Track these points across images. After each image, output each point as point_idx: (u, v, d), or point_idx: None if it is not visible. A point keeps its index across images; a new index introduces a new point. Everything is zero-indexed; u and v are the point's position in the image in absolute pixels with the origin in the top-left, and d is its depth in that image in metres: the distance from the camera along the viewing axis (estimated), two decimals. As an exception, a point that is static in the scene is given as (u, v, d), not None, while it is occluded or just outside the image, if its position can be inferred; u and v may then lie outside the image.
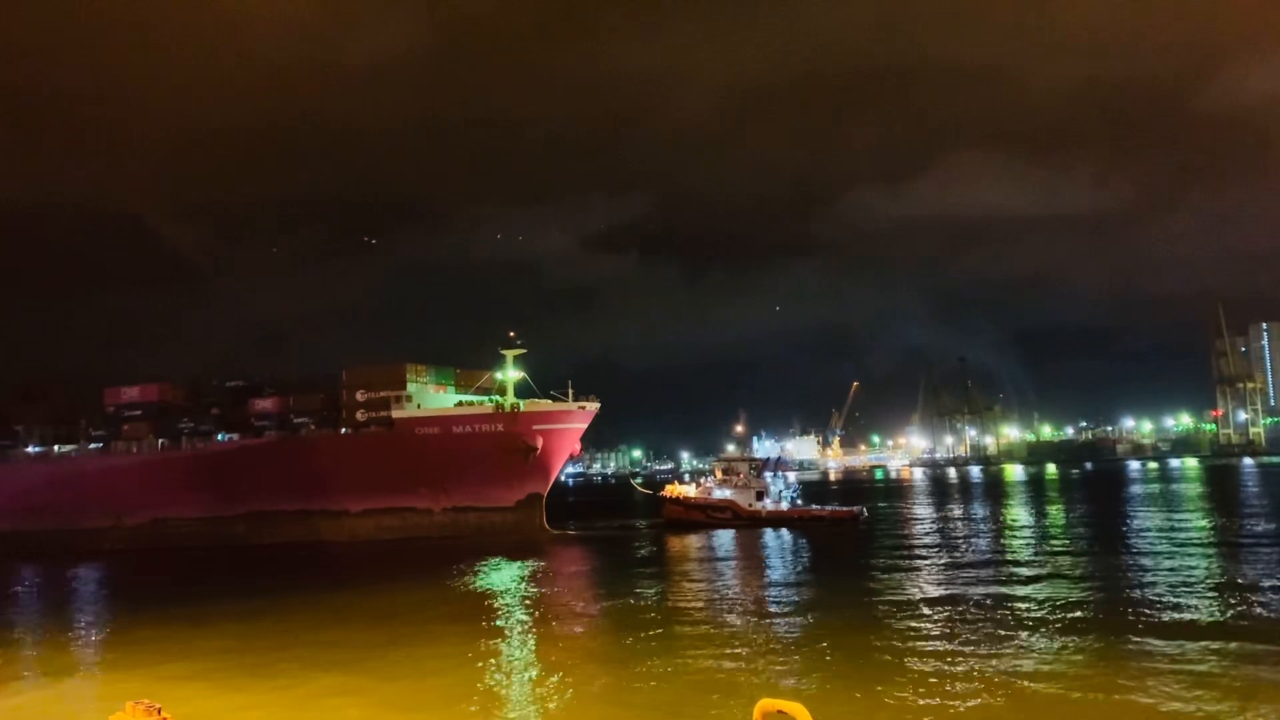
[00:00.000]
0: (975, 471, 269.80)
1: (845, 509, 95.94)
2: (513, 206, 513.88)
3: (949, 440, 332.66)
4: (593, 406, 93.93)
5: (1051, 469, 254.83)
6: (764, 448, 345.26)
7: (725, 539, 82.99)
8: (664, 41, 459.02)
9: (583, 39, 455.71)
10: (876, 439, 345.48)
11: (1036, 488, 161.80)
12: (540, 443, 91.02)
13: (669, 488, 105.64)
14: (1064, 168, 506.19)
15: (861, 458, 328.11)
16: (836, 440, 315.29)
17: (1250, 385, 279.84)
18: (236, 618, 47.99)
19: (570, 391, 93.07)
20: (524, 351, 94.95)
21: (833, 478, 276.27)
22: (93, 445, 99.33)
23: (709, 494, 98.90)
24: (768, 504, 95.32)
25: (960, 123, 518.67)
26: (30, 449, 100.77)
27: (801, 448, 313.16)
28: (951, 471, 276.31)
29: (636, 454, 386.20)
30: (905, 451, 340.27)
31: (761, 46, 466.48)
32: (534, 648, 38.55)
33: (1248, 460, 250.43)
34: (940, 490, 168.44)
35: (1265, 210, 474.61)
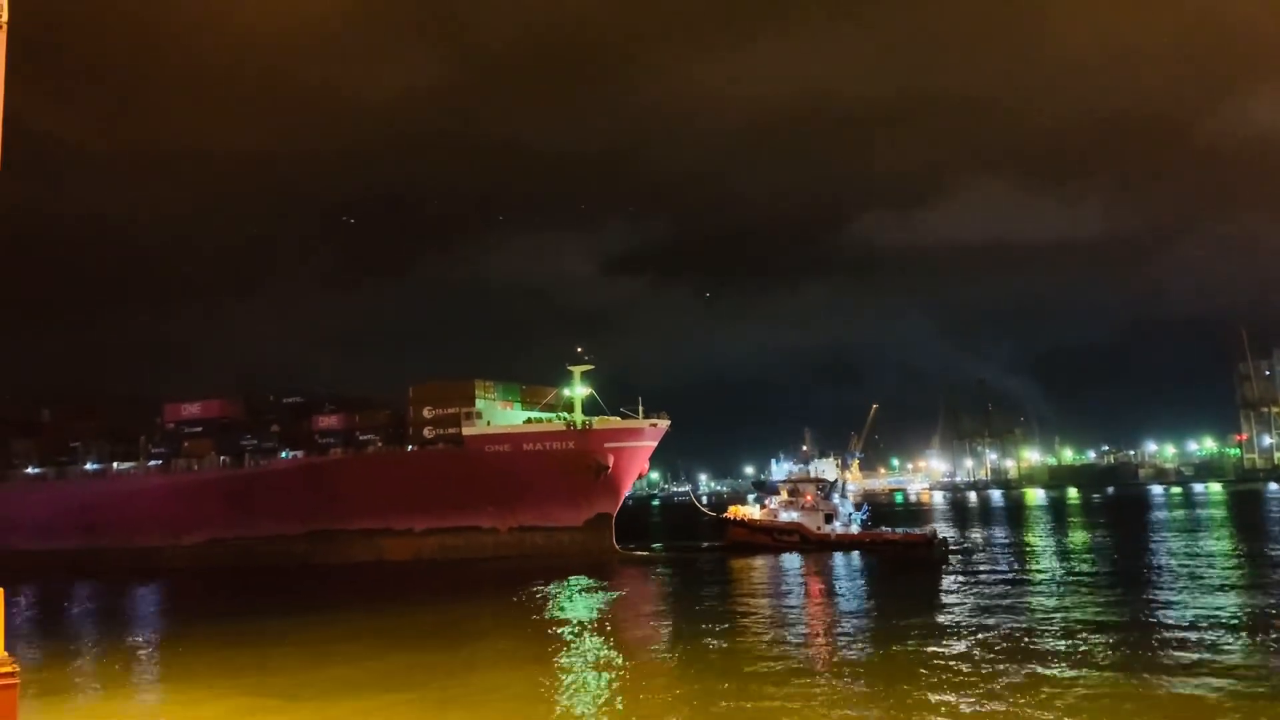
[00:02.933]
0: (996, 495, 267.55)
1: (918, 532, 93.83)
2: (531, 230, 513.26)
3: (969, 463, 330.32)
4: (663, 424, 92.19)
5: (1073, 493, 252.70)
6: (781, 470, 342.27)
7: (794, 563, 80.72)
8: (684, 71, 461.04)
9: (603, 69, 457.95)
10: (896, 462, 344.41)
11: (1063, 512, 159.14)
12: (611, 461, 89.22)
13: (732, 509, 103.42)
14: (1073, 196, 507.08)
15: (881, 481, 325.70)
16: (856, 463, 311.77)
17: (1275, 409, 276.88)
18: (280, 637, 47.72)
19: (640, 408, 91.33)
20: (592, 367, 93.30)
21: (852, 501, 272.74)
22: (152, 462, 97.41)
23: (775, 516, 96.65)
24: (837, 527, 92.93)
25: (970, 151, 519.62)
26: (88, 466, 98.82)
27: (820, 470, 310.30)
28: (972, 495, 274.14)
29: (654, 476, 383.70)
30: (925, 474, 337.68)
31: (779, 75, 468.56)
32: (575, 677, 37.06)
33: (1273, 485, 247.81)
34: (969, 514, 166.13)
35: (1272, 239, 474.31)
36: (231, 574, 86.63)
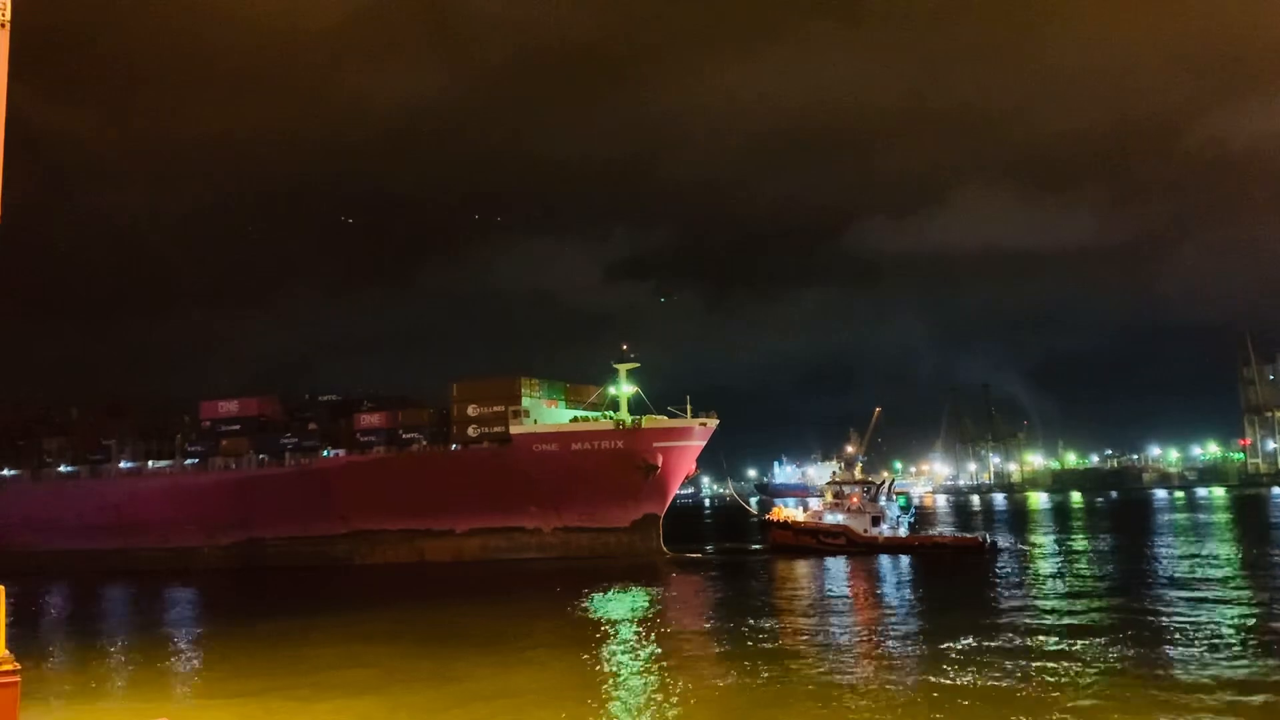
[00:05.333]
0: (999, 499, 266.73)
1: (969, 536, 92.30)
2: (536, 236, 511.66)
3: (972, 467, 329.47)
4: (712, 423, 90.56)
5: (1077, 497, 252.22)
6: (784, 473, 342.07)
7: (841, 567, 78.85)
8: (690, 82, 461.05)
9: (609, 80, 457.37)
10: (899, 465, 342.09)
11: (1076, 516, 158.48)
12: (661, 461, 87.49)
13: (774, 511, 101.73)
14: (1068, 205, 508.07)
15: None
16: (859, 466, 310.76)
17: (1279, 414, 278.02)
18: (302, 638, 47.70)
19: (688, 407, 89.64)
20: (637, 365, 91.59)
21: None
22: (189, 461, 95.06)
23: (819, 518, 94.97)
24: (884, 530, 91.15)
25: (970, 159, 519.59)
26: (122, 464, 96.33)
27: (823, 474, 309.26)
28: (975, 499, 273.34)
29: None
30: (928, 478, 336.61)
31: (785, 87, 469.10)
32: (611, 683, 35.76)
33: (1276, 490, 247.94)
34: (974, 517, 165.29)
35: (1271, 245, 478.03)
36: (267, 575, 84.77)
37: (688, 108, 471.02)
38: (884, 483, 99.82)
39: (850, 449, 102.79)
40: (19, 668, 17.39)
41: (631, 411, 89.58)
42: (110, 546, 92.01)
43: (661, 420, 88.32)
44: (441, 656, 40.87)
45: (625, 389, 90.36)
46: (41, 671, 40.50)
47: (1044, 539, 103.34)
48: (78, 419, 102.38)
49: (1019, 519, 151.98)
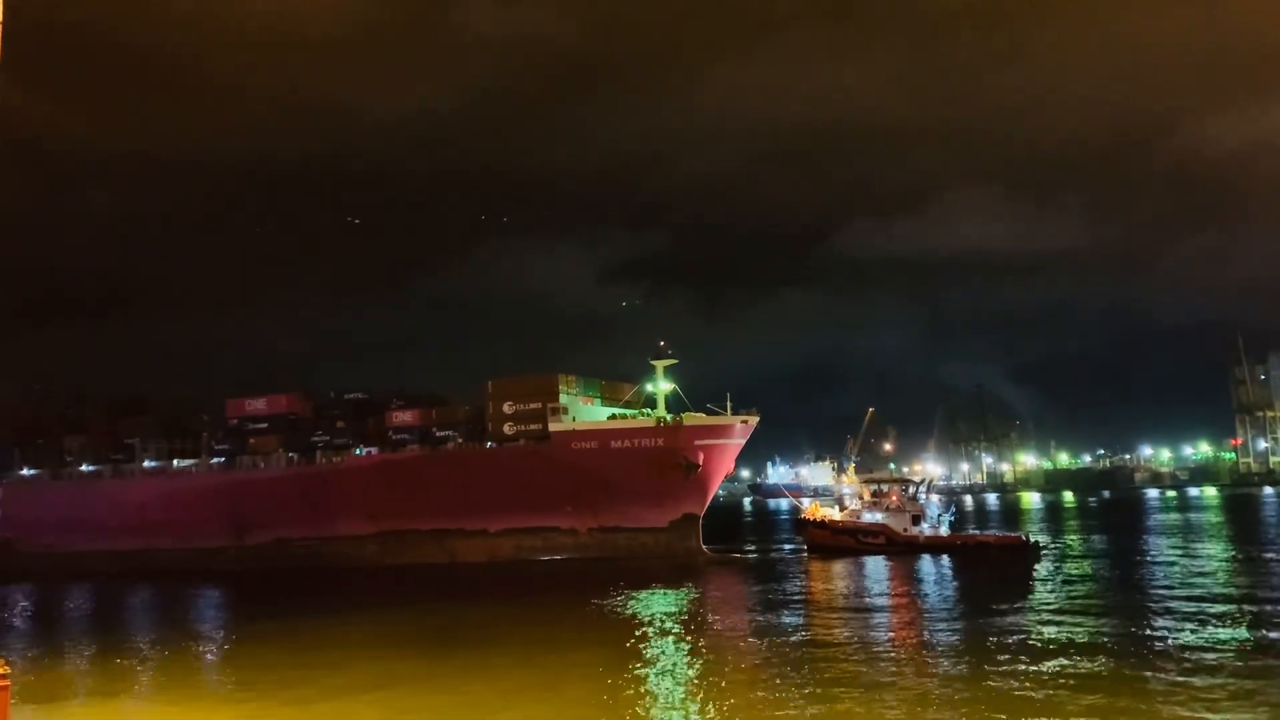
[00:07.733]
0: (992, 498, 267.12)
1: (1012, 535, 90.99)
2: (531, 241, 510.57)
3: (965, 467, 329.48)
4: (753, 421, 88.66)
5: (1069, 496, 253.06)
6: (778, 473, 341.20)
7: (881, 567, 77.25)
8: (683, 93, 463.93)
9: (603, 96, 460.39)
10: (892, 466, 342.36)
11: (1077, 515, 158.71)
12: (701, 459, 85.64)
13: (810, 509, 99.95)
14: (1056, 207, 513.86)
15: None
16: (852, 467, 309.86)
17: (1270, 414, 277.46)
18: (312, 638, 47.45)
19: (729, 404, 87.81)
20: (675, 362, 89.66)
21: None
22: (215, 459, 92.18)
23: (857, 517, 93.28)
24: (925, 529, 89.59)
25: (955, 166, 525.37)
26: (145, 463, 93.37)
27: (816, 474, 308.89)
28: (968, 498, 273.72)
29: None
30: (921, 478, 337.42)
31: (778, 97, 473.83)
32: (640, 685, 34.29)
33: (1268, 489, 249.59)
34: (967, 517, 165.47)
35: (1255, 248, 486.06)
36: (293, 576, 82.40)
37: (680, 116, 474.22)
38: (923, 480, 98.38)
39: (889, 446, 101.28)
40: (8, 671, 17.17)
41: (669, 409, 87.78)
42: (133, 547, 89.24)
43: (701, 418, 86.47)
44: (466, 657, 40.07)
45: (663, 386, 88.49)
46: (46, 673, 39.68)
47: (1059, 538, 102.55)
48: (98, 417, 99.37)
49: (1013, 519, 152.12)
